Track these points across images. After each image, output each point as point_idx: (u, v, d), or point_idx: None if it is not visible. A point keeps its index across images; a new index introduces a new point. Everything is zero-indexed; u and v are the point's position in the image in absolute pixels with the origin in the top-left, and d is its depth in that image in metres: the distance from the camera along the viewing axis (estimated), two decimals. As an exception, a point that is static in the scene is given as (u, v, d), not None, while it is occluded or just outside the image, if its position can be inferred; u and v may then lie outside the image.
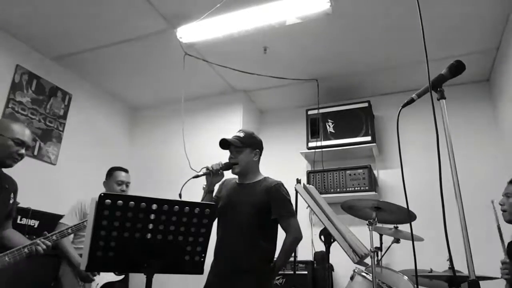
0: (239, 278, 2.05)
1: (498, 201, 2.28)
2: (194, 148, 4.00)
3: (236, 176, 2.35)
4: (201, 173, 2.19)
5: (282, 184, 2.24)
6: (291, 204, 2.21)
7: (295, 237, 2.13)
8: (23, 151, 2.04)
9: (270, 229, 2.19)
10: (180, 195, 2.05)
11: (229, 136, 2.30)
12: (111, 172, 3.03)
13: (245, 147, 2.24)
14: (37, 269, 2.73)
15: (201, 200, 2.23)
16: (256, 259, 2.09)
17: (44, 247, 2.00)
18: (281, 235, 2.21)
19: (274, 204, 2.15)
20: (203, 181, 2.25)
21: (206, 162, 2.55)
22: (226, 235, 2.17)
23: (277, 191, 2.18)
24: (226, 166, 2.22)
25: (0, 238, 2.10)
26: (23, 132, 2.05)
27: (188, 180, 2.10)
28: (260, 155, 2.34)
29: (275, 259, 2.18)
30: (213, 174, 2.19)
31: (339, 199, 3.11)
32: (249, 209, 2.14)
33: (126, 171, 3.05)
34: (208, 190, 2.24)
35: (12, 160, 2.02)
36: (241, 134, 2.27)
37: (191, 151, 3.85)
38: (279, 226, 2.22)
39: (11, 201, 2.13)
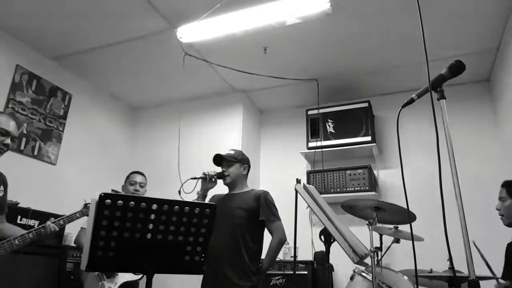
0: (234, 279, 2.24)
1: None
2: (193, 148, 4.01)
3: (225, 192, 2.62)
4: (198, 176, 2.47)
5: (268, 193, 2.51)
6: (277, 209, 2.47)
7: (280, 238, 2.36)
8: (8, 141, 2.05)
9: (258, 232, 2.44)
10: (179, 192, 2.33)
11: (224, 150, 2.64)
12: (128, 175, 3.21)
13: (236, 162, 2.55)
14: (39, 270, 2.75)
15: None
16: (246, 258, 2.31)
17: (52, 229, 2.10)
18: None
19: (262, 208, 2.41)
20: (197, 187, 2.50)
21: (205, 163, 2.61)
22: (219, 237, 2.31)
23: (264, 197, 2.45)
24: (219, 175, 2.52)
25: None
26: (7, 122, 2.06)
27: (187, 180, 2.39)
28: (248, 170, 2.65)
29: (262, 258, 2.41)
30: (208, 180, 2.48)
31: (339, 199, 3.11)
32: (241, 213, 2.40)
33: (141, 174, 3.22)
34: (202, 195, 2.51)
35: None
36: (232, 152, 2.61)
37: (190, 151, 3.85)
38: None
39: (0, 194, 2.11)
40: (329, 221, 2.08)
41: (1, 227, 2.14)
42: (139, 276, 2.88)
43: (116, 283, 2.73)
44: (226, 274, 2.26)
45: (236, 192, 2.56)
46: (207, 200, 2.56)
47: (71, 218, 2.30)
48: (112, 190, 3.24)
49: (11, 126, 2.07)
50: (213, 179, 2.50)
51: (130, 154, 4.59)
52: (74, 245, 3.00)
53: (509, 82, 3.11)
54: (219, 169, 2.57)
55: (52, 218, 2.17)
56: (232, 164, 2.54)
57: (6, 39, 3.33)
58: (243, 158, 2.61)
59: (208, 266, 2.29)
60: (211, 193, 2.59)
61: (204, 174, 2.47)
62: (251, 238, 2.38)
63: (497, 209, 2.23)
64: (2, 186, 2.13)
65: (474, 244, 2.27)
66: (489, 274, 2.23)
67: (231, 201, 2.49)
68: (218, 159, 2.56)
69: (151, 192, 3.26)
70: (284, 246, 3.58)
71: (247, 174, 2.64)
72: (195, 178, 2.45)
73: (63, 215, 2.23)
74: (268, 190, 2.54)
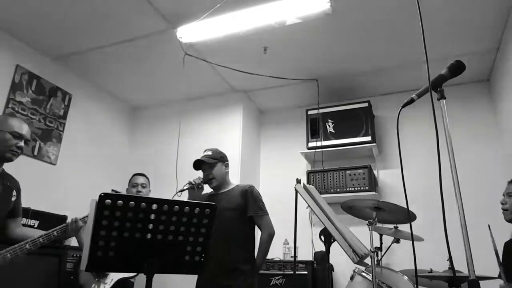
0: (227, 279, 2.25)
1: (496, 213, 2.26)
2: (193, 148, 4.00)
3: (205, 191, 2.57)
4: (185, 187, 2.45)
5: (254, 187, 2.50)
6: (263, 203, 2.47)
7: (268, 233, 2.38)
8: (21, 144, 2.05)
9: (249, 229, 2.44)
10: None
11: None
12: (131, 178, 3.24)
13: (217, 162, 2.50)
14: (39, 270, 2.76)
15: None
16: (241, 260, 2.32)
17: (80, 225, 2.13)
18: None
19: (249, 204, 2.41)
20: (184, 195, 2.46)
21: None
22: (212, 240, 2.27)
23: (251, 192, 2.44)
24: (205, 180, 2.49)
25: (14, 239, 2.08)
26: (20, 126, 2.07)
27: (175, 195, 2.37)
28: (228, 165, 2.60)
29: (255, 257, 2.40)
30: (196, 188, 2.46)
31: (339, 199, 3.10)
32: (230, 213, 2.37)
33: (142, 175, 3.25)
34: None
35: (11, 153, 2.03)
36: (209, 152, 2.53)
37: (190, 151, 3.85)
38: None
39: (13, 199, 2.12)
40: (329, 221, 2.08)
41: (19, 231, 2.15)
42: (134, 274, 2.88)
43: (112, 279, 2.74)
44: (220, 277, 2.25)
45: (221, 191, 2.52)
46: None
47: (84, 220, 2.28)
48: (112, 190, 3.24)
49: (24, 129, 2.08)
50: (200, 186, 2.48)
51: (130, 154, 4.59)
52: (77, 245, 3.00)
53: (509, 82, 3.11)
54: (200, 174, 2.52)
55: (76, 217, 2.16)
56: (213, 165, 2.49)
57: (6, 39, 3.32)
58: (221, 155, 2.56)
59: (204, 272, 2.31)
60: None
61: (190, 183, 2.44)
62: (244, 237, 2.40)
63: (502, 203, 2.24)
64: (14, 191, 2.14)
65: (489, 227, 2.30)
66: (489, 275, 2.23)
67: (218, 202, 2.39)
68: (198, 164, 2.51)
69: (151, 192, 3.26)
70: (284, 245, 3.61)
71: (228, 170, 2.60)
72: (182, 190, 2.43)
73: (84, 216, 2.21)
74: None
